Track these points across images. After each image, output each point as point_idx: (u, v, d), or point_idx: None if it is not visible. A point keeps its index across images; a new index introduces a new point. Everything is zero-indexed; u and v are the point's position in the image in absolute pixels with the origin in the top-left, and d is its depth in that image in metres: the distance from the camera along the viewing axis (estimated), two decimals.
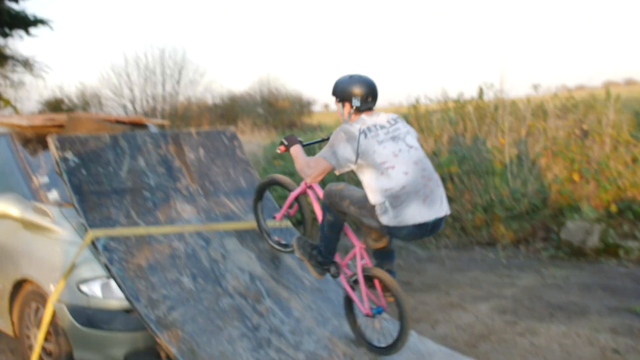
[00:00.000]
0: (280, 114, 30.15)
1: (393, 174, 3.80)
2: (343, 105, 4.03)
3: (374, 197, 3.84)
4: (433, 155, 11.13)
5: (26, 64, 19.06)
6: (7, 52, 18.24)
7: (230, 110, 28.09)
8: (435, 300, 6.67)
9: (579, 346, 5.29)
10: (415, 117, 12.19)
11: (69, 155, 4.69)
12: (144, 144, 5.09)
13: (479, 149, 10.76)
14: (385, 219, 3.82)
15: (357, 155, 3.82)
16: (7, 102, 18.54)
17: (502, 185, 9.93)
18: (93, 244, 4.32)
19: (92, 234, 4.32)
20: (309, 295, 4.80)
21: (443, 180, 10.62)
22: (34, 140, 5.38)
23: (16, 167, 5.16)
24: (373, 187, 3.83)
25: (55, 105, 24.49)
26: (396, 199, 3.79)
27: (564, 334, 5.53)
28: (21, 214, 4.84)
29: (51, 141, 4.70)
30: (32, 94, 35.76)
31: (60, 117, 5.69)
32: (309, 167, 3.92)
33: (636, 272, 7.56)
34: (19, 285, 4.97)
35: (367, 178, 3.86)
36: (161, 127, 6.15)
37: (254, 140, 17.46)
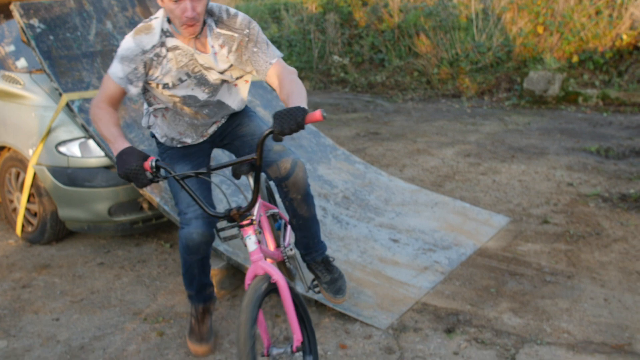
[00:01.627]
0: None
1: None
2: None
3: None
4: (399, 12, 11.15)
5: None
6: None
7: None
8: (402, 147, 6.95)
9: (537, 182, 5.63)
10: None
11: (35, 22, 4.70)
12: (109, 7, 5.10)
13: (445, 4, 10.77)
14: None
15: None
16: None
17: (467, 40, 10.05)
18: (68, 106, 4.44)
19: (67, 97, 4.43)
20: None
21: (409, 36, 10.76)
22: None
23: None
24: None
25: None
26: None
27: (523, 172, 5.87)
28: None
29: (15, 9, 4.70)
30: None
31: None
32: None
33: (593, 116, 7.88)
34: None
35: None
36: None
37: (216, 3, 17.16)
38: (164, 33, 2.86)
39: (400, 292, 3.87)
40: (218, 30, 2.87)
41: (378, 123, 8.09)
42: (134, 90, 2.89)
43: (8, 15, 5.32)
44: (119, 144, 2.63)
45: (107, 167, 4.52)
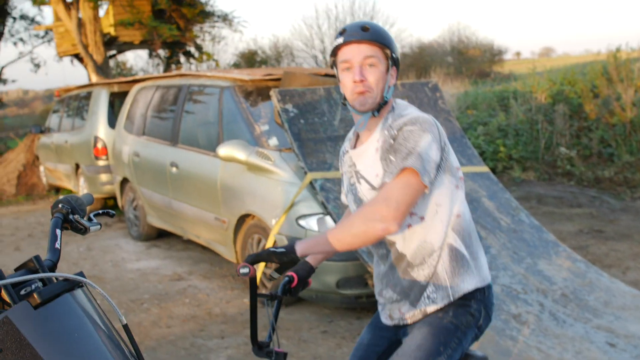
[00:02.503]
0: (471, 62, 29.71)
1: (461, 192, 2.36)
2: (392, 68, 2.33)
3: (443, 233, 2.28)
4: (632, 106, 10.81)
5: (225, 19, 20.32)
6: (209, 9, 19.57)
7: (419, 60, 28.10)
8: (627, 248, 6.70)
9: None
10: (615, 65, 11.77)
11: (289, 106, 5.27)
12: None
13: None
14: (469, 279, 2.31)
15: (442, 157, 2.22)
16: (209, 56, 19.93)
17: None
18: (311, 184, 4.90)
19: (311, 175, 4.89)
20: (504, 235, 5.13)
21: None
22: (254, 92, 6.04)
23: (240, 117, 5.85)
24: (447, 213, 2.29)
25: (249, 57, 25.81)
26: (470, 237, 2.36)
27: None
28: (246, 157, 5.48)
29: (274, 94, 5.31)
30: (228, 47, 37.73)
31: (277, 72, 6.32)
32: (381, 207, 2.09)
33: None
34: (242, 219, 5.71)
35: (441, 197, 2.27)
36: None
37: (445, 89, 17.62)
38: None
39: None
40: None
41: (603, 220, 7.86)
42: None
43: (264, 98, 5.98)
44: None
45: None
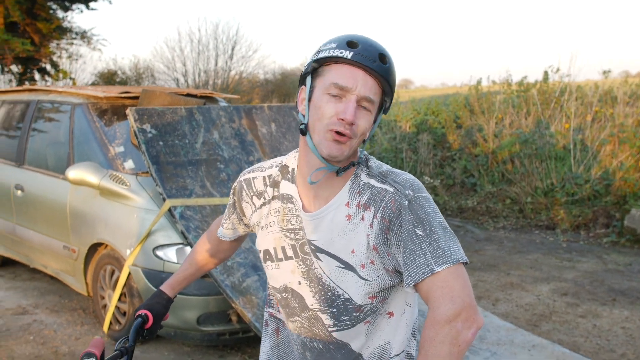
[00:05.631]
0: None
1: None
2: (382, 109, 1.77)
3: (406, 338, 1.89)
4: (494, 137, 11.10)
5: (84, 36, 19.48)
6: (66, 24, 18.67)
7: (282, 86, 28.15)
8: (495, 279, 6.71)
9: None
10: (477, 97, 12.09)
11: (147, 127, 4.85)
12: (218, 117, 5.23)
13: (542, 132, 10.66)
14: None
15: None
16: (65, 74, 18.98)
17: (563, 170, 9.85)
18: (170, 212, 4.49)
19: (170, 202, 4.49)
20: None
21: (503, 162, 10.64)
22: (110, 111, 5.57)
23: (93, 137, 5.36)
24: (414, 313, 1.92)
25: (108, 77, 24.86)
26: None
27: (626, 318, 5.52)
28: (98, 181, 5.01)
29: (130, 113, 4.87)
30: (87, 65, 36.53)
31: (135, 90, 5.87)
32: (457, 312, 1.51)
33: None
34: (93, 248, 5.20)
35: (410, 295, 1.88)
36: (229, 101, 6.30)
37: None
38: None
39: None
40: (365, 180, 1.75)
41: (469, 251, 7.89)
42: None
43: (120, 117, 5.51)
44: None
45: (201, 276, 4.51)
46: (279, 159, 1.93)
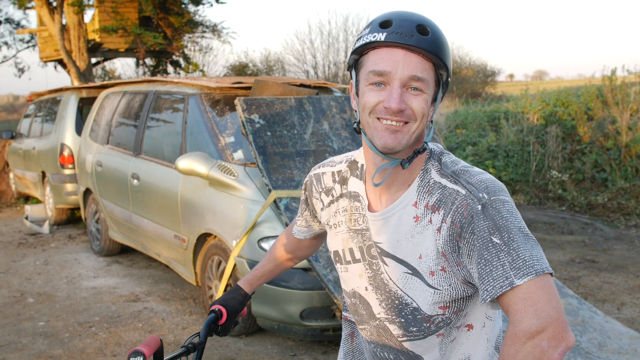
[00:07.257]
0: (463, 82, 29.60)
1: None
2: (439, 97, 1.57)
3: (487, 354, 1.68)
4: (628, 130, 10.41)
5: (214, 30, 19.89)
6: (197, 18, 19.14)
7: None
8: (622, 281, 6.25)
9: None
10: (611, 88, 11.37)
11: (255, 117, 4.80)
12: (328, 107, 5.12)
13: None
14: None
15: None
16: (196, 67, 19.49)
17: None
18: (275, 203, 4.42)
19: (275, 194, 4.41)
20: None
21: (637, 157, 9.95)
22: (222, 101, 5.57)
23: (204, 127, 5.37)
24: (496, 327, 1.70)
25: (240, 70, 25.41)
26: None
27: None
28: (208, 171, 5.01)
29: (238, 103, 4.84)
30: (219, 58, 37.52)
31: (248, 80, 5.85)
32: (542, 329, 1.30)
33: None
34: (202, 238, 5.22)
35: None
36: (343, 91, 6.16)
37: None
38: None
39: None
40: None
41: (596, 250, 7.41)
42: None
43: (232, 107, 5.50)
44: None
45: (305, 270, 4.41)
46: (350, 154, 1.79)
